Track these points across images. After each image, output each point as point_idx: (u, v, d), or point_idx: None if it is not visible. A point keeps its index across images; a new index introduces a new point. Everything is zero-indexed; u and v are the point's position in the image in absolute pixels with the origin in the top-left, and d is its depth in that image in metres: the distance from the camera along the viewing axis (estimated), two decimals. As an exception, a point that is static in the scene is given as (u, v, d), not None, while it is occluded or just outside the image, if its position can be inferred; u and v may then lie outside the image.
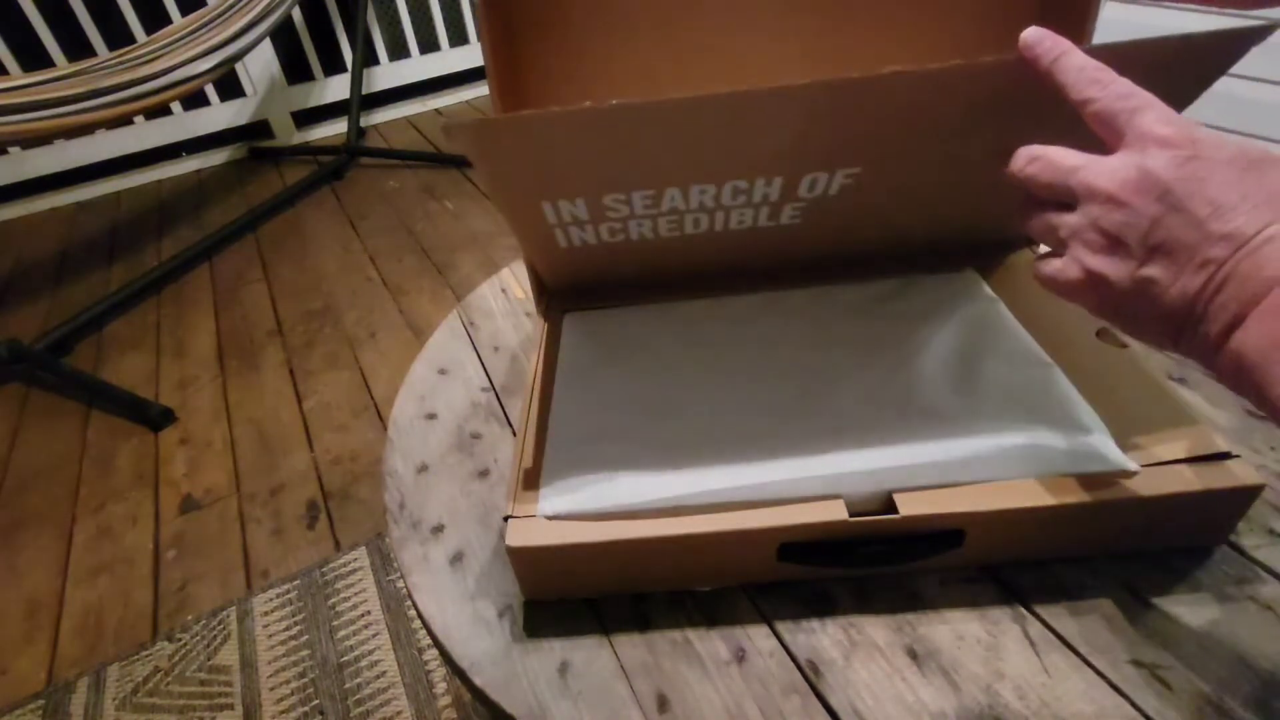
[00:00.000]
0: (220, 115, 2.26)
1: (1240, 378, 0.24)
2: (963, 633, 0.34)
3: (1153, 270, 0.26)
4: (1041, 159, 0.29)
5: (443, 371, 0.56)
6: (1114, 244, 0.26)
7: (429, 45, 2.50)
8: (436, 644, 0.38)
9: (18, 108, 1.24)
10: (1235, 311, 0.24)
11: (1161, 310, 0.26)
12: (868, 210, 0.44)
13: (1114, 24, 1.68)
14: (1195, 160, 0.25)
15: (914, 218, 0.47)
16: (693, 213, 0.41)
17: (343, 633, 0.93)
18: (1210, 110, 1.63)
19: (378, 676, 0.87)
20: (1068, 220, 0.28)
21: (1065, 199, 0.29)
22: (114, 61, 1.47)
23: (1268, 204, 0.24)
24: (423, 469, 0.47)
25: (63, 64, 1.54)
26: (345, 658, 0.90)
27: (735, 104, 0.32)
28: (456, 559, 0.41)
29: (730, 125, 0.34)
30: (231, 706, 0.86)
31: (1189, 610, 0.34)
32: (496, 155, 0.35)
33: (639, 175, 0.37)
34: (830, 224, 0.45)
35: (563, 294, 0.53)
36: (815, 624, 0.36)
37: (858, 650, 0.34)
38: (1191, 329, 0.25)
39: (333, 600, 0.97)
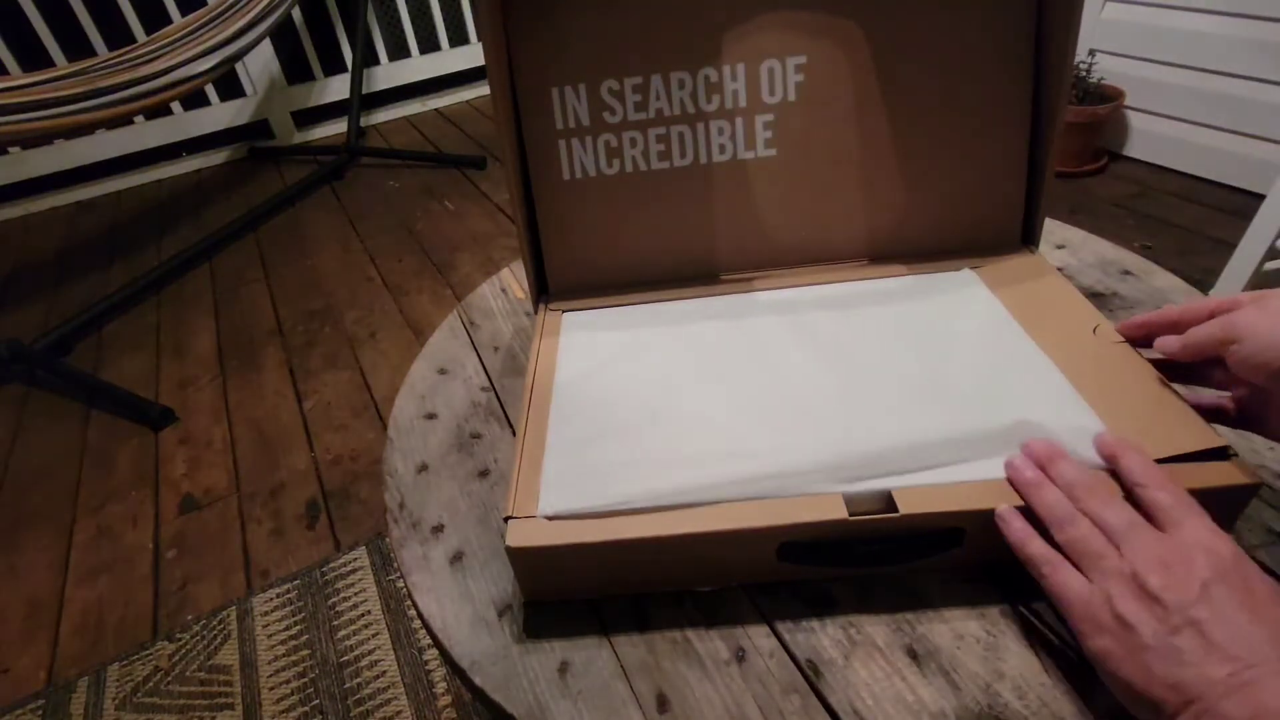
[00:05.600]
0: (220, 115, 2.26)
1: None
2: (963, 632, 0.34)
3: (1183, 640, 0.27)
4: (1088, 523, 0.32)
5: (443, 371, 0.56)
6: (1151, 600, 0.28)
7: (429, 45, 2.50)
8: (436, 644, 0.38)
9: (18, 108, 1.24)
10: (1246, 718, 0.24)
11: (1175, 680, 0.26)
12: (834, 142, 0.49)
13: (1114, 24, 1.68)
14: (1246, 574, 0.28)
15: (881, 160, 0.50)
16: (677, 125, 0.48)
17: (343, 633, 0.93)
18: (1222, 113, 1.63)
19: (378, 676, 0.87)
20: (1110, 555, 0.30)
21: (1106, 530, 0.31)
22: (114, 61, 1.48)
23: None
24: (423, 469, 0.47)
25: (63, 64, 1.54)
26: (345, 658, 0.90)
27: None
28: (456, 559, 0.41)
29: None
30: (231, 706, 0.86)
31: (1188, 610, 0.34)
32: (524, 34, 0.47)
33: (628, 58, 0.48)
34: (807, 166, 0.50)
35: (562, 293, 0.53)
36: (815, 624, 0.36)
37: (858, 650, 0.34)
38: (1198, 711, 0.25)
39: (333, 600, 0.97)
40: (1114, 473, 0.34)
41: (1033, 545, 0.32)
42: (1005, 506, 0.33)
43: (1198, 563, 0.28)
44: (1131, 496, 0.32)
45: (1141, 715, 0.27)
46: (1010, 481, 0.35)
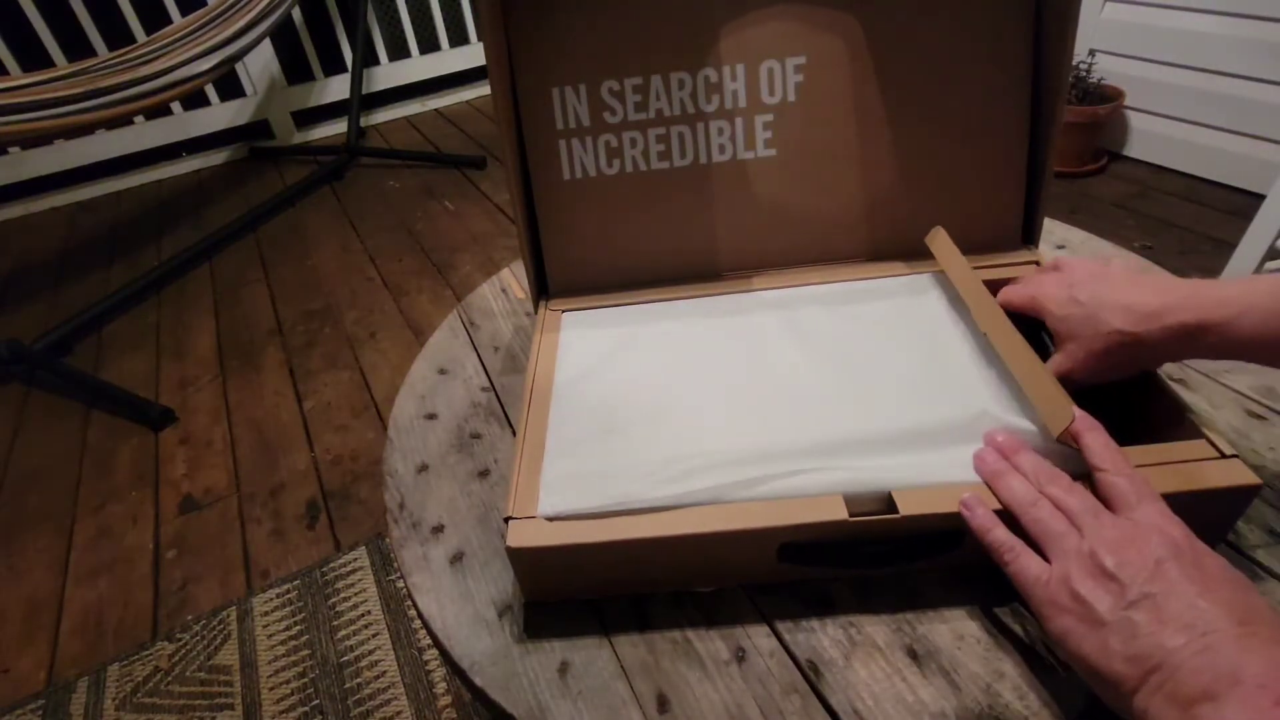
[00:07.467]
0: (220, 115, 2.26)
1: None
2: (963, 633, 0.34)
3: (1138, 614, 0.27)
4: (1050, 506, 0.32)
5: (443, 371, 0.56)
6: (1108, 579, 0.29)
7: (429, 45, 2.50)
8: (436, 644, 0.38)
9: (18, 108, 1.24)
10: (1207, 685, 0.25)
11: (1133, 652, 0.27)
12: (834, 142, 0.50)
13: (1114, 24, 1.68)
14: (1197, 553, 0.29)
15: (881, 160, 0.50)
16: (677, 125, 0.49)
17: (343, 633, 0.93)
18: (1222, 113, 1.62)
19: (378, 676, 0.87)
20: (1071, 535, 0.31)
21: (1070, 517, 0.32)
22: (114, 61, 1.47)
23: (1249, 615, 0.26)
24: (423, 469, 0.47)
25: (63, 64, 1.54)
26: (345, 658, 0.90)
27: None
28: (456, 559, 0.41)
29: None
30: (231, 706, 0.86)
31: (1189, 610, 0.34)
32: (525, 35, 0.47)
33: (628, 59, 0.48)
34: (807, 166, 0.50)
35: (562, 293, 0.53)
36: (815, 624, 0.36)
37: (858, 650, 0.34)
38: (1158, 682, 0.26)
39: (333, 600, 0.97)
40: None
41: (996, 532, 0.33)
42: (969, 494, 0.34)
43: (1151, 542, 0.29)
44: (1091, 479, 0.33)
45: (1105, 694, 0.28)
46: (977, 472, 0.35)
